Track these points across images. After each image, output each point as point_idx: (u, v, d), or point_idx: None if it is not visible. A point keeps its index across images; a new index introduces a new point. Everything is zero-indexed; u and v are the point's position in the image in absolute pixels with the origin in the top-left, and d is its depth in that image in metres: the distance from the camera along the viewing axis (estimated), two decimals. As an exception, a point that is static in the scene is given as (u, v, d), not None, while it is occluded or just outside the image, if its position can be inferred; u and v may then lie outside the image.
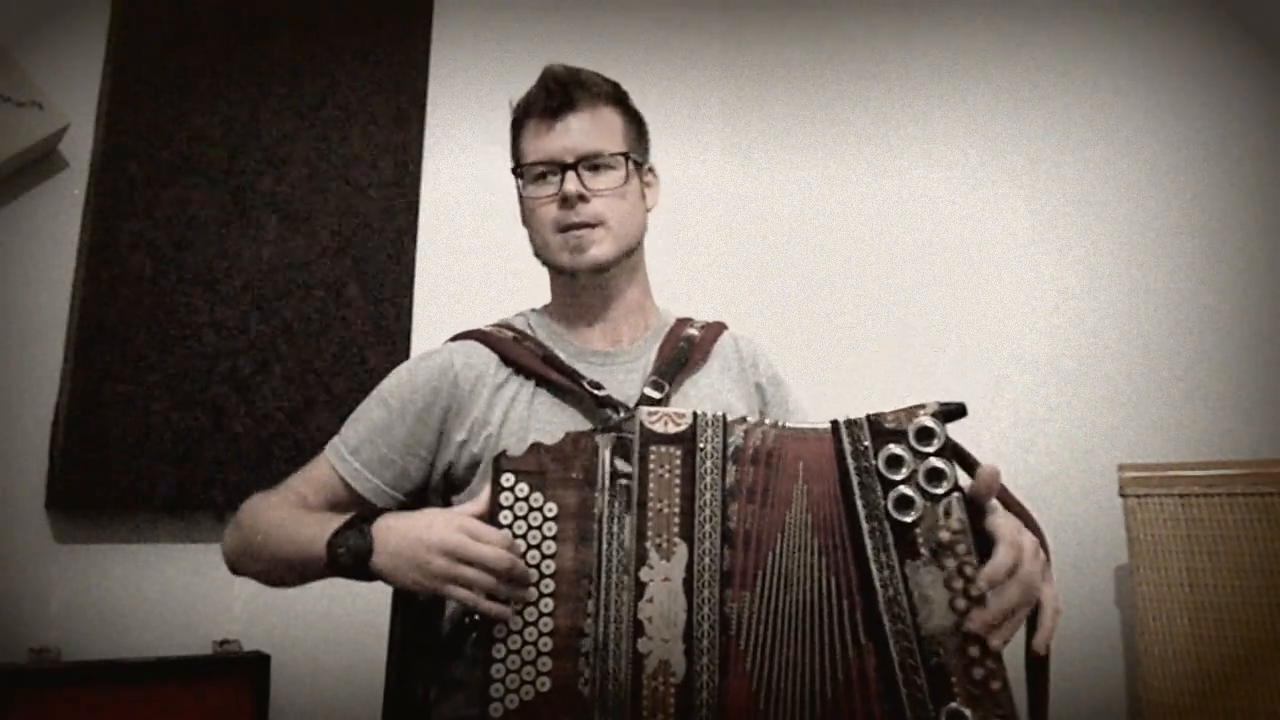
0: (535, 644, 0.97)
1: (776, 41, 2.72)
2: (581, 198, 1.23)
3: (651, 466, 0.98)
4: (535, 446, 1.02)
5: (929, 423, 0.97)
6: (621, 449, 0.99)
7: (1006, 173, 2.17)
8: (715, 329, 1.38)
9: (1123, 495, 1.74)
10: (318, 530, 1.07)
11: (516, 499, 1.00)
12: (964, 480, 0.98)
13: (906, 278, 2.31)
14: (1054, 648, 1.01)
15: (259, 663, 1.93)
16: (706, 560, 0.96)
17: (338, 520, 1.08)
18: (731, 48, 2.84)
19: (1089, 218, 2.03)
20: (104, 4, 2.02)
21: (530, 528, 1.00)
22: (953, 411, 0.99)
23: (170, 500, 1.93)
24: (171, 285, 1.97)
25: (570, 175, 1.24)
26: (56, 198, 1.95)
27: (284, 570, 1.16)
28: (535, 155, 1.27)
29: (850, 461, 0.98)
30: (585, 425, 1.20)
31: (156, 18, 2.02)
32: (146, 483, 1.91)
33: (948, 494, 0.95)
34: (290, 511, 1.17)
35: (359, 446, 1.23)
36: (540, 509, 1.00)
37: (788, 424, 1.02)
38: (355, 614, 2.05)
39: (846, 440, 0.99)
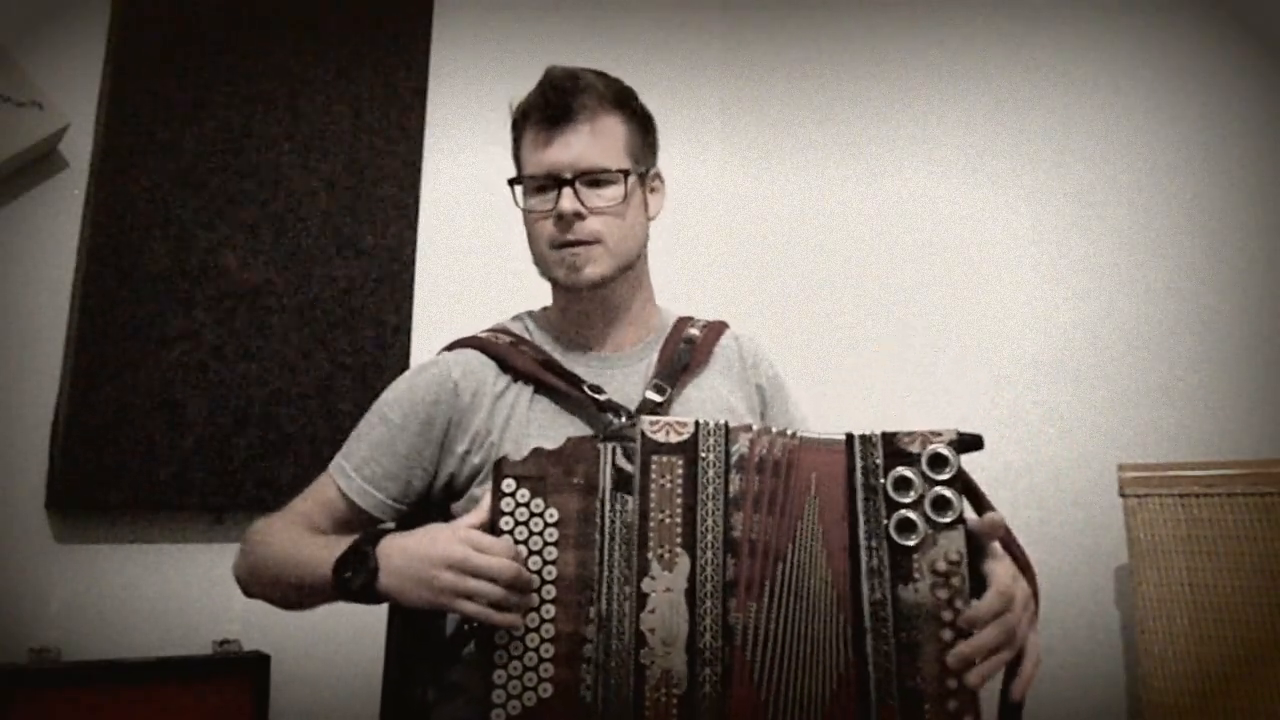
0: (537, 650, 0.97)
1: (776, 41, 2.72)
2: (578, 215, 1.20)
3: (653, 476, 0.98)
4: (536, 451, 1.02)
5: (944, 450, 0.97)
6: (623, 458, 0.98)
7: (1006, 173, 2.17)
8: (717, 329, 1.37)
9: (1123, 495, 1.74)
10: (323, 555, 1.07)
11: (518, 504, 1.00)
12: (969, 514, 0.98)
13: (906, 278, 2.31)
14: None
15: (259, 663, 1.93)
16: (709, 570, 0.96)
17: (342, 544, 1.07)
18: (731, 48, 2.84)
19: (1089, 218, 2.03)
20: (104, 4, 2.02)
21: (531, 533, 0.99)
22: (969, 442, 0.98)
23: (170, 500, 1.93)
24: (171, 285, 1.97)
25: (567, 192, 1.20)
26: (56, 198, 1.95)
27: (292, 594, 1.16)
28: (533, 168, 1.24)
29: (859, 478, 0.98)
30: (586, 430, 1.19)
31: (156, 18, 2.02)
32: (146, 483, 1.90)
33: (951, 525, 0.95)
34: (296, 536, 1.17)
35: (362, 464, 1.22)
36: (541, 514, 1.00)
37: (802, 433, 1.01)
38: (355, 614, 2.03)
39: (859, 456, 0.99)
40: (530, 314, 1.37)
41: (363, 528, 1.19)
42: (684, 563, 0.96)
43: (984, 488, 1.05)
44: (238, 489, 1.98)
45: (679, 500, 0.97)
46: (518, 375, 1.24)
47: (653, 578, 0.95)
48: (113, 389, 1.89)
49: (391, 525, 1.21)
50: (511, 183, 1.28)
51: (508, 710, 0.95)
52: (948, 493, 0.96)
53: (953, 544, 0.95)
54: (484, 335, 1.30)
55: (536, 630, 0.97)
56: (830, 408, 2.33)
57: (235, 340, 2.02)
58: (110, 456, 1.87)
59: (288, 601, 1.20)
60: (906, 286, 2.31)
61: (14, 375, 1.88)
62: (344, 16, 2.23)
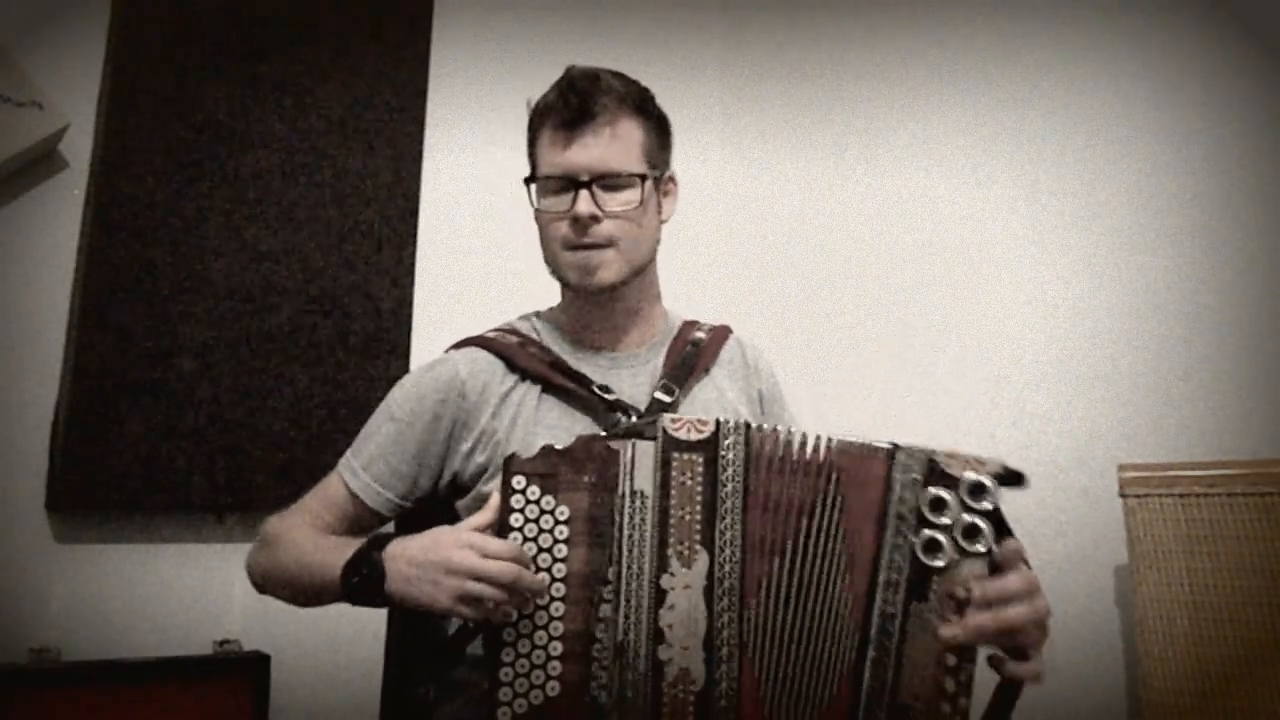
0: (545, 648, 0.97)
1: (776, 41, 2.72)
2: (594, 218, 1.20)
3: (674, 474, 0.98)
4: (547, 449, 1.02)
5: (986, 481, 0.96)
6: (644, 455, 0.98)
7: (1006, 173, 2.17)
8: (722, 332, 1.38)
9: (1123, 495, 1.74)
10: (332, 559, 1.08)
11: (528, 501, 1.00)
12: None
13: (906, 278, 2.31)
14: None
15: (259, 663, 1.93)
16: (727, 568, 0.96)
17: (350, 548, 1.08)
18: (731, 48, 2.84)
19: (1089, 218, 2.03)
20: (104, 4, 2.02)
21: (542, 530, 0.99)
22: (1012, 478, 0.98)
23: (170, 500, 1.93)
24: (171, 285, 1.97)
25: (584, 195, 1.20)
26: (56, 198, 1.95)
27: (306, 598, 1.17)
28: (549, 169, 1.23)
29: (894, 490, 0.98)
30: (594, 429, 1.19)
31: (156, 18, 2.02)
32: (146, 483, 1.90)
33: (977, 555, 0.95)
34: (306, 538, 1.18)
35: (369, 462, 1.23)
36: (551, 512, 1.00)
37: (844, 437, 1.01)
38: (355, 614, 2.03)
39: (899, 468, 0.98)
40: (538, 314, 1.37)
41: (370, 525, 1.21)
42: (703, 560, 0.96)
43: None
44: (237, 489, 1.98)
45: (699, 498, 0.97)
46: (525, 375, 1.24)
47: (672, 574, 0.95)
48: (113, 389, 1.89)
49: (391, 531, 1.21)
50: (526, 181, 1.28)
51: (514, 708, 0.95)
52: (981, 523, 0.95)
53: (974, 572, 0.95)
54: (492, 334, 1.30)
55: (545, 628, 0.97)
56: (830, 408, 2.33)
57: (235, 340, 2.02)
58: (110, 456, 1.87)
59: (300, 601, 1.21)
60: (906, 286, 2.31)
61: (14, 375, 1.89)
62: (344, 16, 2.23)
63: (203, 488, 1.95)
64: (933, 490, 0.96)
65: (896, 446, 0.99)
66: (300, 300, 2.10)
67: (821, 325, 2.46)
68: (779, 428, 1.01)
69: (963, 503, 0.96)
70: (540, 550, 0.99)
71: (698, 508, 0.97)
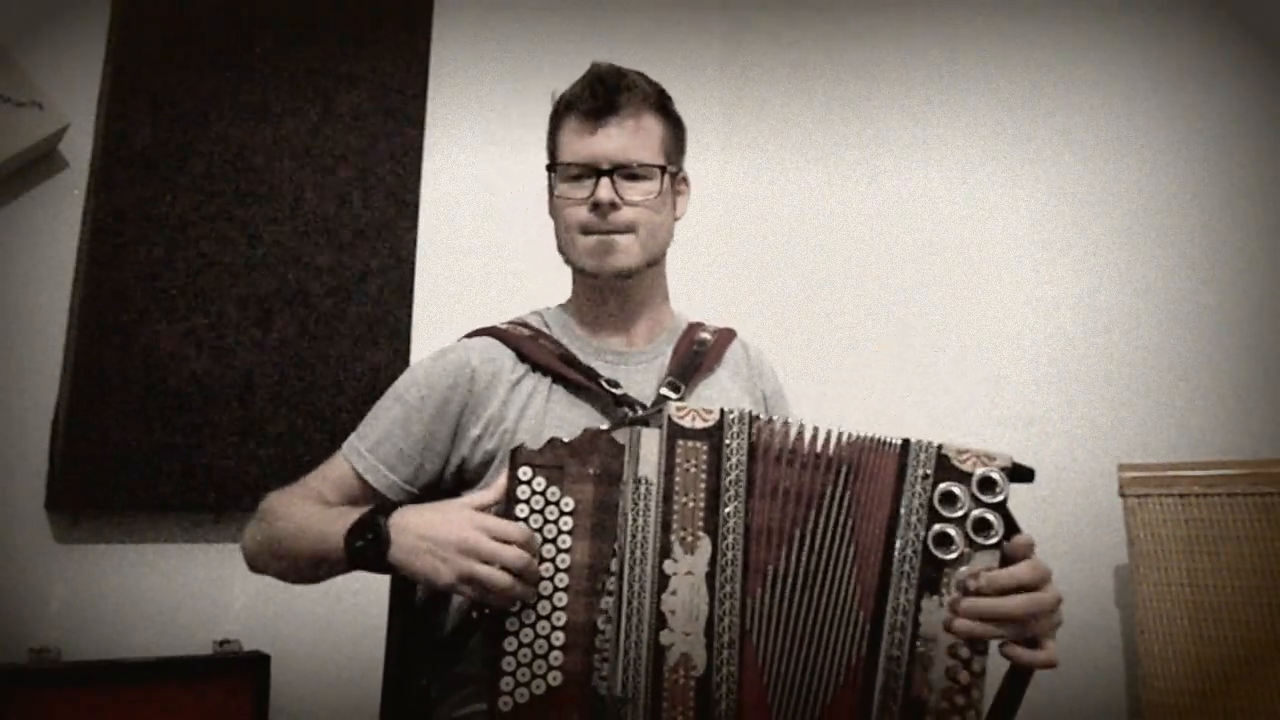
0: (547, 638, 0.98)
1: (776, 42, 2.72)
2: (613, 205, 1.23)
3: (678, 461, 0.99)
4: (553, 441, 1.03)
5: (995, 475, 0.99)
6: (649, 442, 0.99)
7: (1006, 173, 2.17)
8: (727, 334, 1.40)
9: (1123, 495, 1.74)
10: (335, 525, 1.09)
11: (533, 492, 1.01)
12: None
13: (906, 278, 2.31)
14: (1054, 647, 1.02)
15: (259, 663, 1.93)
16: (730, 555, 0.97)
17: (354, 514, 1.09)
18: (732, 48, 2.84)
19: (1089, 218, 2.03)
20: (104, 4, 2.02)
21: (546, 521, 1.01)
22: (1021, 473, 1.01)
23: (170, 500, 1.93)
24: (171, 285, 1.97)
25: (605, 182, 1.22)
26: (56, 198, 1.95)
27: (303, 566, 1.17)
28: (572, 156, 1.25)
29: (907, 484, 1.00)
30: (601, 423, 1.20)
31: (156, 18, 2.02)
32: (146, 483, 1.90)
33: (989, 548, 0.97)
34: (308, 507, 1.18)
35: (376, 443, 1.23)
36: (557, 503, 1.01)
37: (857, 431, 1.03)
38: (355, 614, 2.05)
39: (911, 463, 1.00)
40: (547, 309, 1.38)
41: None
42: (705, 546, 0.97)
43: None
44: (237, 489, 1.98)
45: (703, 485, 0.98)
46: (535, 366, 1.26)
47: (675, 559, 0.96)
48: (113, 389, 1.89)
49: (398, 501, 1.22)
50: (548, 168, 1.30)
51: (515, 698, 0.96)
52: (991, 516, 0.98)
53: (985, 565, 0.97)
54: (503, 326, 1.31)
55: (548, 618, 0.98)
56: (830, 408, 2.32)
57: (235, 340, 2.02)
58: (110, 456, 1.87)
59: (297, 573, 1.20)
60: (906, 286, 2.31)
61: (14, 375, 1.89)
62: (344, 17, 2.23)
63: (202, 488, 1.95)
64: (944, 485, 0.99)
65: (908, 441, 1.01)
66: (300, 300, 2.10)
67: (821, 325, 2.46)
68: (786, 419, 1.03)
69: (974, 497, 0.98)
70: (545, 541, 1.00)
71: (701, 495, 0.98)
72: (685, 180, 1.36)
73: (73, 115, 1.92)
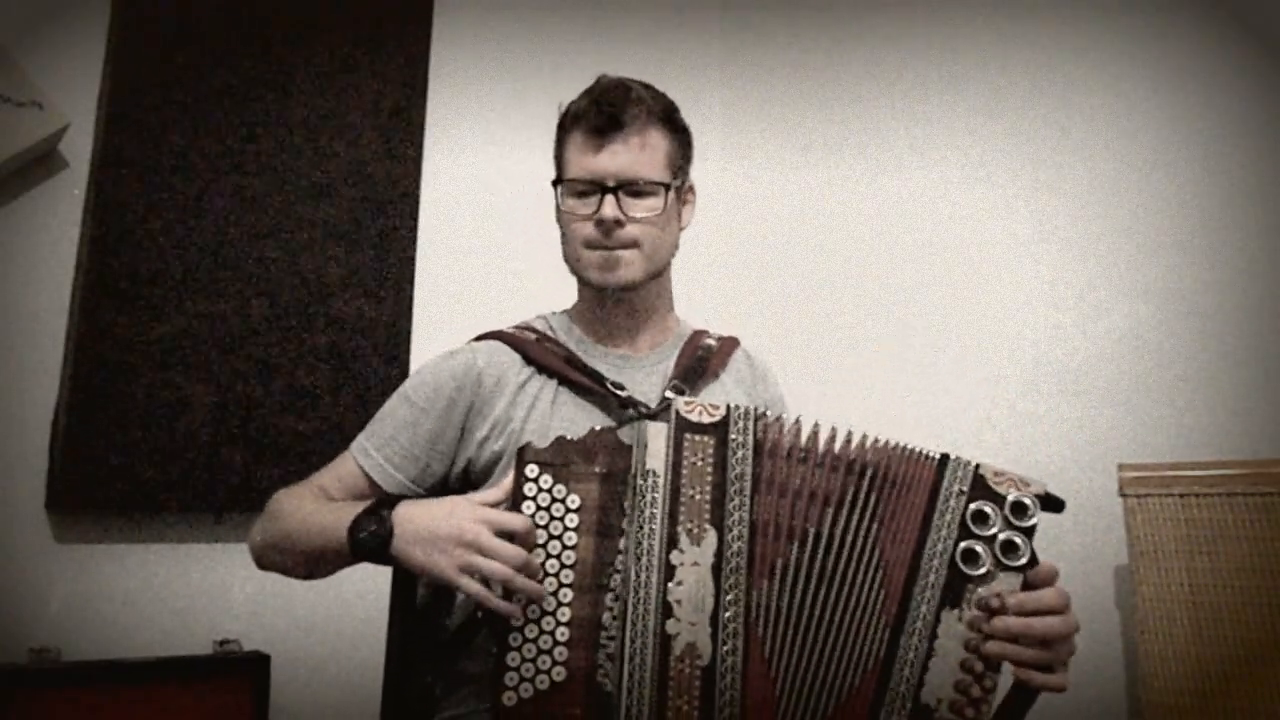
0: (552, 634, 0.99)
1: (776, 42, 2.72)
2: (618, 222, 1.24)
3: (685, 454, 1.01)
4: (560, 440, 1.05)
5: (1028, 501, 1.01)
6: (657, 436, 1.01)
7: (1006, 173, 2.17)
8: (731, 342, 1.42)
9: (1123, 495, 1.74)
10: (340, 517, 1.10)
11: (540, 490, 1.03)
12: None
13: (906, 278, 2.31)
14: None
15: (259, 663, 1.93)
16: (735, 547, 0.99)
17: (359, 507, 1.11)
18: (732, 49, 2.84)
19: (1089, 218, 2.03)
20: (104, 4, 2.02)
21: (552, 518, 1.02)
22: (1052, 502, 1.03)
23: (170, 500, 1.93)
24: (171, 285, 1.97)
25: (609, 199, 1.23)
26: (56, 198, 1.95)
27: (309, 560, 1.18)
28: (577, 172, 1.26)
29: (941, 498, 1.02)
30: (607, 424, 1.22)
31: (156, 18, 2.02)
32: (146, 483, 1.90)
33: (1014, 569, 0.99)
34: (314, 504, 1.20)
35: (384, 443, 1.25)
36: (563, 500, 1.03)
37: (895, 440, 1.05)
38: (355, 614, 2.05)
39: (948, 477, 1.02)
40: (553, 314, 1.40)
41: None
42: (711, 538, 0.98)
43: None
44: (237, 489, 1.98)
45: (709, 478, 1.00)
46: (542, 369, 1.27)
47: (681, 550, 0.98)
48: (113, 389, 1.89)
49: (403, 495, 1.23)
50: (554, 183, 1.31)
51: (520, 693, 0.97)
52: (1019, 540, 1.00)
53: (1008, 586, 0.99)
54: (510, 330, 1.33)
55: (553, 614, 1.00)
56: (830, 408, 2.32)
57: (235, 340, 2.02)
58: (110, 456, 1.87)
59: (304, 568, 1.22)
60: (906, 286, 2.31)
61: (14, 375, 1.89)
62: (344, 17, 2.23)
63: (202, 488, 1.95)
64: (977, 503, 1.01)
65: (947, 456, 1.03)
66: (300, 300, 2.10)
67: (821, 325, 2.46)
68: (797, 417, 1.05)
69: (1005, 519, 1.01)
70: (551, 538, 1.02)
71: (708, 488, 1.00)
72: (691, 190, 1.38)
73: (73, 115, 1.92)
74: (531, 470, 1.03)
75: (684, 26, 2.81)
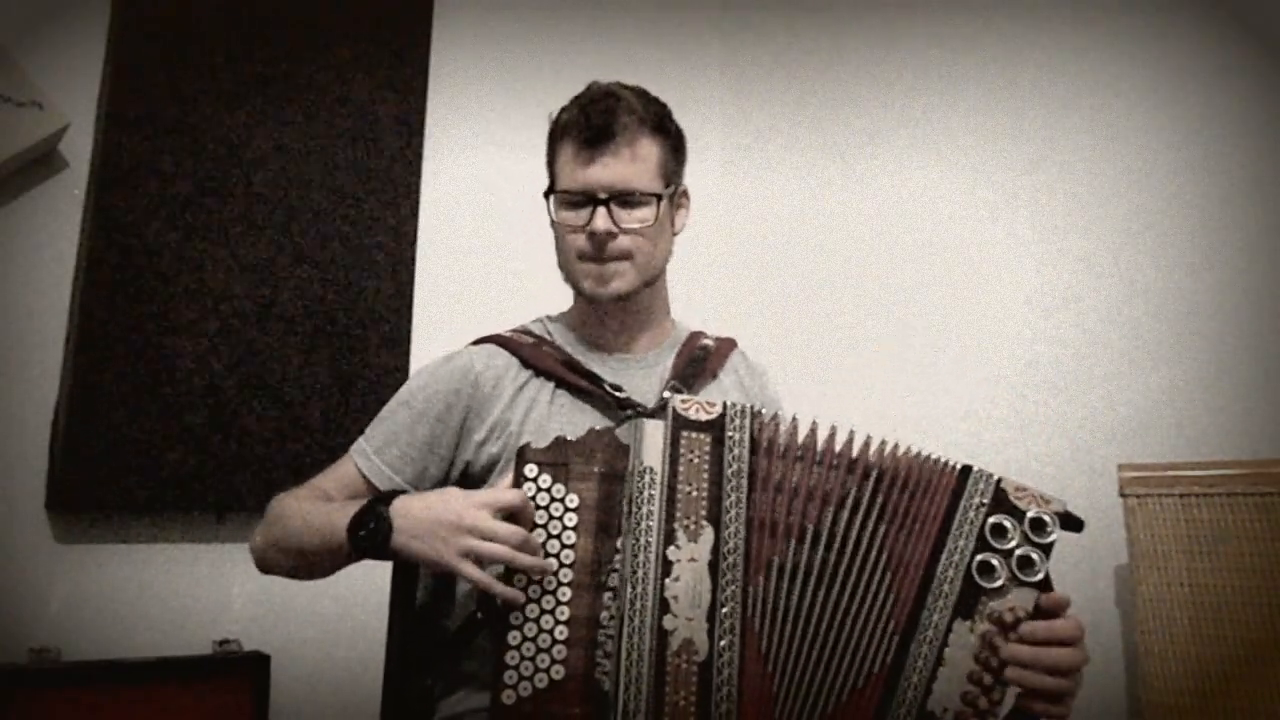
0: (551, 632, 0.99)
1: (776, 42, 2.72)
2: (610, 234, 1.24)
3: (682, 451, 1.01)
4: (559, 440, 1.06)
5: (1048, 518, 1.01)
6: (654, 433, 1.02)
7: (1006, 172, 2.17)
8: (728, 344, 1.43)
9: (1123, 495, 1.74)
10: (339, 515, 1.11)
11: (539, 489, 1.03)
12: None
13: (906, 278, 2.31)
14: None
15: (259, 663, 1.93)
16: (732, 544, 0.99)
17: (357, 505, 1.11)
18: (732, 49, 2.84)
19: (1089, 218, 2.03)
20: (104, 4, 2.01)
21: (551, 518, 1.03)
22: (1071, 522, 1.03)
23: (170, 500, 1.93)
24: (171, 284, 1.97)
25: (601, 211, 1.23)
26: (56, 198, 1.95)
27: (310, 560, 1.19)
28: (569, 184, 1.26)
29: (961, 509, 1.02)
30: (606, 425, 1.21)
31: (156, 18, 2.02)
32: (146, 483, 1.90)
33: (1029, 585, 0.99)
34: (313, 504, 1.21)
35: (383, 446, 1.25)
36: (562, 500, 1.03)
37: (916, 447, 1.05)
38: (355, 614, 2.05)
39: (970, 489, 1.03)
40: (550, 317, 1.40)
41: None
42: (709, 535, 0.99)
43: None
44: (238, 489, 1.98)
45: (706, 475, 1.01)
46: (539, 371, 1.28)
47: (678, 546, 0.98)
48: (113, 389, 1.89)
49: (400, 489, 1.24)
50: (546, 194, 1.31)
51: (519, 691, 0.98)
52: (1036, 556, 1.00)
53: (1022, 601, 0.99)
54: (507, 334, 1.33)
55: (551, 613, 1.00)
56: (830, 408, 2.32)
57: (235, 340, 2.02)
58: (110, 456, 1.87)
59: (305, 568, 1.22)
60: (906, 286, 2.31)
61: (14, 375, 1.88)
62: (344, 17, 2.23)
63: (202, 488, 1.95)
64: (996, 517, 1.01)
65: (969, 468, 1.04)
66: (300, 300, 2.10)
67: (821, 325, 2.46)
68: (794, 416, 1.05)
69: (1024, 534, 1.01)
70: (549, 537, 1.02)
71: (704, 485, 1.00)
72: (685, 195, 1.37)
73: (73, 115, 1.91)
74: (530, 470, 1.03)
75: (684, 26, 2.81)
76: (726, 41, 2.85)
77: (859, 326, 2.39)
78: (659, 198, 1.27)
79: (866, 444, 1.04)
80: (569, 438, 1.06)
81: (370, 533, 1.07)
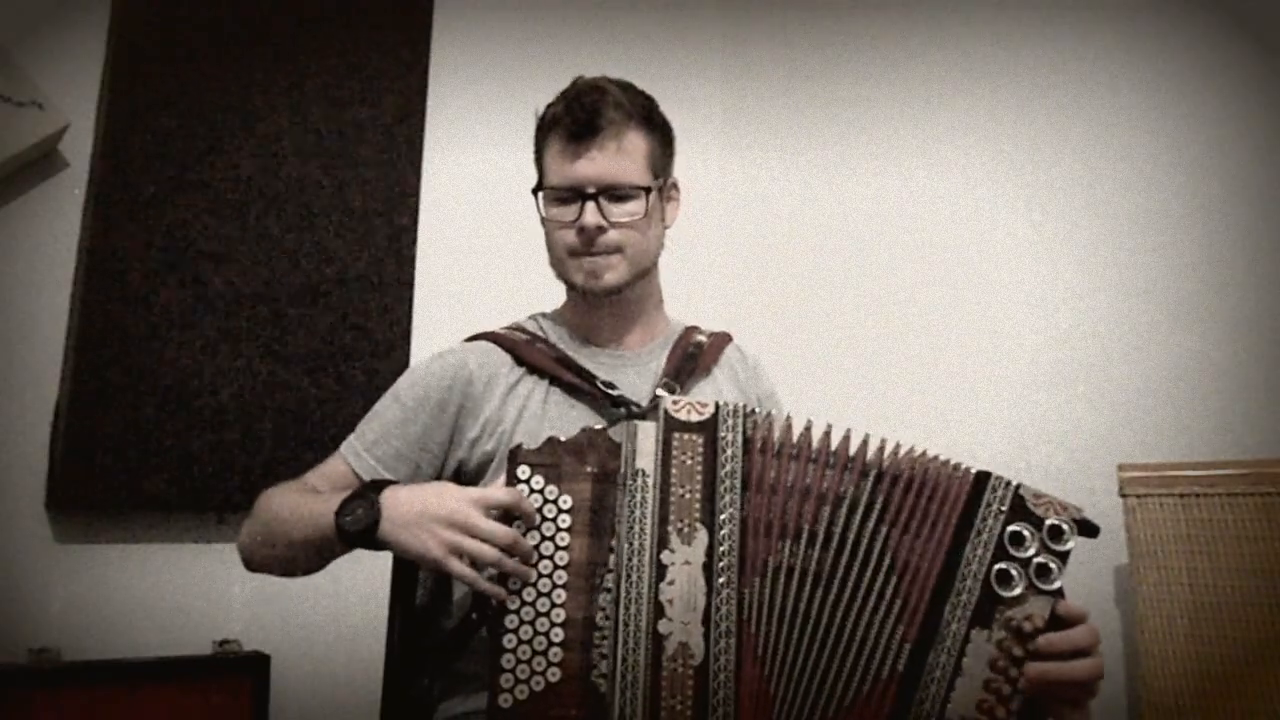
0: (546, 634, 0.98)
1: (776, 42, 2.72)
2: (600, 228, 1.24)
3: (674, 453, 1.00)
4: (551, 440, 1.04)
5: (1066, 525, 1.00)
6: (646, 436, 1.00)
7: (1006, 172, 2.17)
8: (723, 338, 1.42)
9: (1123, 495, 1.74)
10: (327, 504, 1.09)
11: (532, 490, 1.02)
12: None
13: (906, 278, 2.31)
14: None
15: (259, 663, 1.93)
16: (726, 546, 0.98)
17: (345, 493, 1.10)
18: (732, 48, 2.84)
19: (1089, 218, 2.03)
20: (104, 4, 2.01)
21: (544, 519, 1.02)
22: (1088, 528, 1.02)
23: (170, 500, 1.93)
24: (171, 285, 1.97)
25: (590, 206, 1.23)
26: (56, 198, 1.95)
27: (297, 553, 1.17)
28: (557, 180, 1.26)
29: (979, 516, 1.01)
30: (598, 423, 1.21)
31: (156, 18, 2.01)
32: (146, 483, 1.90)
33: (1046, 593, 0.98)
34: (301, 497, 1.19)
35: (374, 443, 1.25)
36: (555, 501, 1.02)
37: (932, 452, 1.04)
38: (355, 614, 2.05)
39: (988, 496, 1.01)
40: (544, 314, 1.40)
41: None
42: (702, 537, 0.98)
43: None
44: (238, 489, 1.98)
45: (699, 477, 0.99)
46: (532, 369, 1.27)
47: (672, 550, 0.97)
48: (113, 389, 1.89)
49: (392, 479, 1.23)
50: (534, 191, 1.30)
51: (515, 694, 0.97)
52: (1053, 564, 0.99)
53: (1039, 610, 0.97)
54: (501, 331, 1.33)
55: (547, 615, 0.99)
56: (830, 408, 2.32)
57: (235, 340, 2.02)
58: (110, 456, 1.87)
59: (292, 562, 1.20)
60: (906, 286, 2.31)
61: (14, 375, 1.88)
62: (344, 16, 2.23)
63: (203, 488, 1.95)
64: (1015, 524, 1.00)
65: (987, 474, 1.02)
66: (300, 300, 2.10)
67: (821, 325, 2.46)
68: (789, 415, 1.04)
69: (1042, 542, 0.99)
70: (543, 539, 1.01)
71: (698, 486, 0.99)
72: (675, 187, 1.36)
73: (73, 115, 1.91)
74: (523, 471, 1.02)
75: (684, 26, 2.81)
76: (726, 41, 2.85)
77: (858, 326, 2.38)
78: (648, 191, 1.26)
79: (865, 443, 1.03)
80: (561, 437, 1.04)
81: (358, 519, 1.06)
